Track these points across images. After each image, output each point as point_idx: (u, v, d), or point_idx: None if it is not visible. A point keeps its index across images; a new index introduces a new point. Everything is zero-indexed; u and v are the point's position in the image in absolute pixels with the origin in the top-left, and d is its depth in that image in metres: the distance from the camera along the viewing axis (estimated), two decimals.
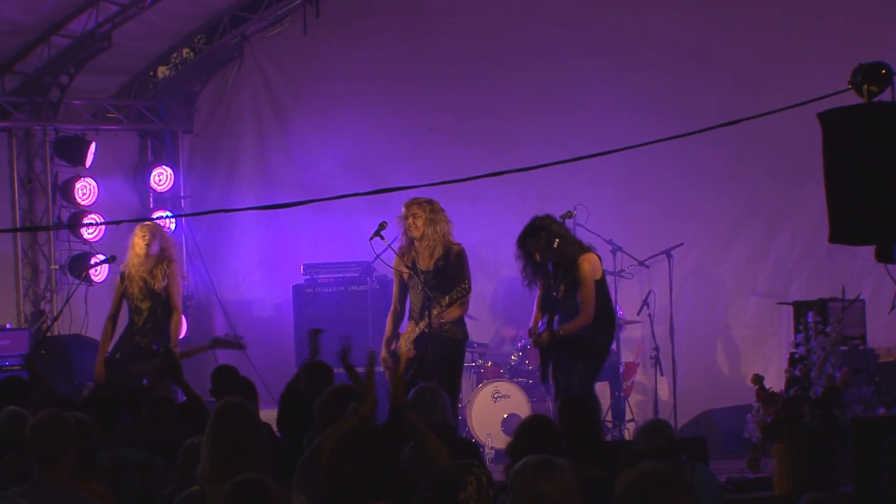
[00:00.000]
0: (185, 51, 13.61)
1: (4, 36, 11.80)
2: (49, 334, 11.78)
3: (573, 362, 9.21)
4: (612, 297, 10.09)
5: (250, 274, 13.25)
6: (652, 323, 11.36)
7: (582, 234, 10.53)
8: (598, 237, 10.86)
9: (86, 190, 12.66)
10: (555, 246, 9.03)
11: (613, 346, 10.35)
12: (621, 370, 11.37)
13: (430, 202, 9.76)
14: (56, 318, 11.73)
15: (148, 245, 10.49)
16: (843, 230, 6.27)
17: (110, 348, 10.54)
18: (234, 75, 13.45)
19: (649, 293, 11.41)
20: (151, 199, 13.46)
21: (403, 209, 9.78)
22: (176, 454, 5.92)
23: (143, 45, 12.91)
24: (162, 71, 13.85)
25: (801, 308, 9.44)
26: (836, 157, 6.20)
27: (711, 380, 11.69)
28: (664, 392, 11.25)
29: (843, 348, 8.76)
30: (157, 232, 10.75)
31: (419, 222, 9.69)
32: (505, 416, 10.93)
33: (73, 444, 5.37)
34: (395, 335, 9.82)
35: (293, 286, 12.43)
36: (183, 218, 13.14)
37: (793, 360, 8.43)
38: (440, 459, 4.83)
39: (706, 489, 6.20)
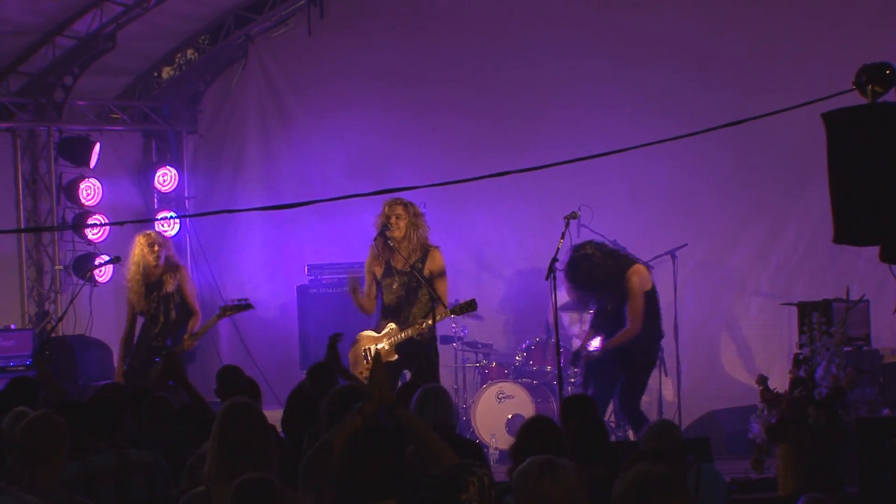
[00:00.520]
0: (190, 51, 13.62)
1: (9, 37, 11.80)
2: (53, 335, 11.80)
3: (618, 374, 9.55)
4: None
5: (254, 274, 13.26)
6: None
7: (586, 235, 10.53)
8: (601, 238, 10.84)
9: (90, 190, 12.66)
10: (595, 273, 9.58)
11: None
12: None
13: (412, 204, 9.80)
14: (60, 319, 11.76)
15: (157, 257, 10.71)
16: (848, 231, 6.25)
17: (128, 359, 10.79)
18: (238, 76, 13.46)
19: None
20: (156, 200, 13.48)
21: (385, 208, 9.79)
22: (177, 455, 5.92)
23: (147, 45, 12.91)
24: (166, 71, 13.86)
25: (805, 309, 9.43)
26: (840, 157, 6.19)
27: (715, 380, 11.67)
28: (668, 392, 11.23)
29: (847, 349, 8.76)
30: (160, 241, 10.91)
31: (402, 223, 9.71)
32: (509, 416, 10.93)
33: (65, 446, 5.38)
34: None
35: (297, 287, 12.45)
36: (187, 218, 13.17)
37: (797, 361, 8.44)
38: (445, 459, 4.73)
39: (714, 489, 6.19)
